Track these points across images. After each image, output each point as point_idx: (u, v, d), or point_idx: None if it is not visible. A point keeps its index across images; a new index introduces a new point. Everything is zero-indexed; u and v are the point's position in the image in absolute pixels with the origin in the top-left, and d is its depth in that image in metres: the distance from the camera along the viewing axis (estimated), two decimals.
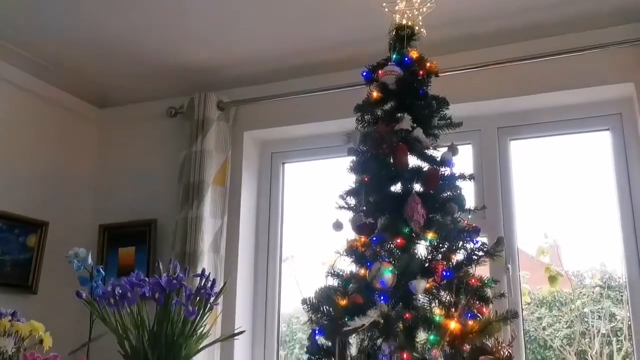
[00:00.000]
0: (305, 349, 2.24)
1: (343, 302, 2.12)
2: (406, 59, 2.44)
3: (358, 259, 2.24)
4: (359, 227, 2.23)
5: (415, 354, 2.02)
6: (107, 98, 3.69)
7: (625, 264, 2.77)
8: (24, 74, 3.30)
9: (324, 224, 2.42)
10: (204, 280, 1.76)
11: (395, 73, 2.39)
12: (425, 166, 2.32)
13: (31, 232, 3.25)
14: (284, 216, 3.45)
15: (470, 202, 2.37)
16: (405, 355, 1.99)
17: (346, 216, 2.31)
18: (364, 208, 2.27)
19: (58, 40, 3.03)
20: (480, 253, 2.24)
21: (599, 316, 3.42)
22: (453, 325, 2.04)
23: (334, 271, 2.28)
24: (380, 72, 2.44)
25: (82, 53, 3.17)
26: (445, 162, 2.33)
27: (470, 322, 2.09)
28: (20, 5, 2.74)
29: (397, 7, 2.53)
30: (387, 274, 2.06)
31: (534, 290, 3.60)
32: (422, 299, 2.13)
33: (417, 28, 2.51)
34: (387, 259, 2.15)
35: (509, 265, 2.80)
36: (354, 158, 2.37)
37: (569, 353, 3.43)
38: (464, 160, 2.77)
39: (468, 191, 2.46)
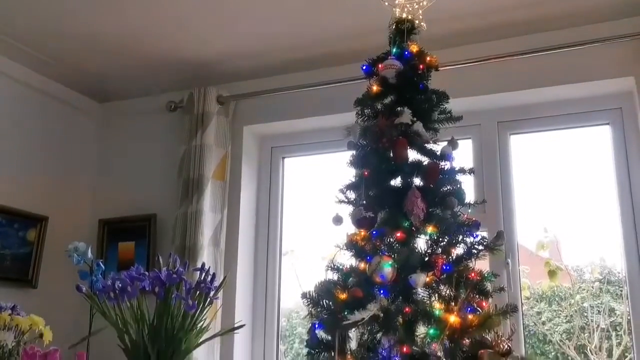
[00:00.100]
0: (305, 343, 2.24)
1: (343, 296, 2.12)
2: (406, 52, 2.44)
3: (358, 253, 2.24)
4: (358, 221, 2.23)
5: (415, 348, 2.02)
6: (106, 92, 3.69)
7: (625, 259, 2.77)
8: (24, 68, 3.30)
9: (323, 218, 2.42)
10: (203, 274, 1.77)
11: (395, 67, 2.39)
12: (425, 160, 2.32)
13: (31, 226, 3.25)
14: (284, 210, 3.45)
15: (470, 196, 2.38)
16: (405, 349, 1.99)
17: (346, 210, 2.31)
18: (364, 202, 2.27)
19: (58, 34, 3.03)
20: (480, 247, 2.24)
21: (599, 311, 3.42)
22: (453, 319, 2.04)
23: (334, 265, 2.29)
24: (380, 66, 2.44)
25: (82, 48, 3.16)
26: (445, 156, 2.33)
27: (470, 316, 2.10)
28: (20, 0, 2.73)
29: (397, 1, 2.53)
30: (387, 268, 2.07)
31: (534, 285, 3.60)
32: (422, 292, 2.13)
33: (417, 22, 2.51)
34: (387, 253, 2.15)
35: (509, 260, 2.81)
36: (353, 152, 2.37)
37: (569, 347, 3.44)
38: (464, 155, 2.76)
39: (468, 185, 2.47)
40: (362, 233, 2.26)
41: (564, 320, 3.52)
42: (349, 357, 2.10)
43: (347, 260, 2.28)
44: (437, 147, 2.37)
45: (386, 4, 2.53)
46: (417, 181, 2.29)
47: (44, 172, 3.40)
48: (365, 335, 2.16)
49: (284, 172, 3.51)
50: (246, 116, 3.43)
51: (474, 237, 2.25)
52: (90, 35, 3.04)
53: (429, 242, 2.24)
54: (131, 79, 3.49)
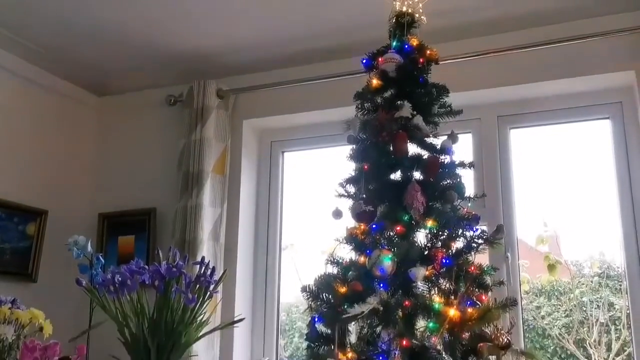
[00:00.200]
0: (304, 336, 2.25)
1: (342, 290, 2.12)
2: (406, 46, 2.43)
3: (358, 247, 2.24)
4: (358, 215, 2.23)
5: (415, 341, 2.02)
6: (106, 86, 3.68)
7: (624, 254, 2.77)
8: (23, 62, 3.29)
9: (323, 212, 2.42)
10: (203, 268, 1.76)
11: (395, 60, 2.39)
12: (425, 154, 2.32)
13: (30, 220, 3.25)
14: (284, 205, 3.45)
15: (470, 190, 2.37)
16: (404, 343, 1.99)
17: (346, 204, 2.31)
18: (364, 196, 2.26)
19: (57, 27, 3.02)
20: (480, 241, 2.24)
21: (598, 305, 3.43)
22: (452, 312, 2.05)
23: (334, 259, 2.28)
24: (380, 59, 2.43)
25: (81, 41, 3.15)
26: (445, 150, 2.33)
27: (470, 310, 2.10)
28: None
29: None
30: (387, 262, 2.07)
31: (533, 279, 3.61)
32: (421, 286, 2.13)
33: (417, 15, 2.50)
34: (386, 247, 2.15)
35: (508, 254, 2.81)
36: (353, 146, 2.36)
37: (568, 342, 3.45)
38: (463, 149, 2.76)
39: (468, 179, 2.47)
40: (362, 227, 2.25)
41: (563, 315, 3.53)
42: (348, 350, 2.10)
43: (347, 254, 2.28)
44: (437, 141, 2.36)
45: None
46: (417, 175, 2.28)
47: (43, 165, 3.40)
48: (365, 329, 2.17)
49: (283, 166, 3.51)
50: (246, 110, 3.42)
51: (474, 231, 2.25)
52: (90, 29, 3.03)
53: (429, 235, 2.24)
54: (131, 73, 3.49)
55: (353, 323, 2.15)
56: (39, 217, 3.28)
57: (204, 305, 1.76)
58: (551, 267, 3.48)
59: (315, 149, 3.51)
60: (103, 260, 2.21)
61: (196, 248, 3.04)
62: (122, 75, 3.52)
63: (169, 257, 1.77)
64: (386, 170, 2.30)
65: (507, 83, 2.93)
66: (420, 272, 2.08)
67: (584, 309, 3.47)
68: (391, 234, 2.22)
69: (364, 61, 2.50)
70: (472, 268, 2.19)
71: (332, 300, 2.14)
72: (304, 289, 2.22)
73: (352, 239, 2.26)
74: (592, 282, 3.52)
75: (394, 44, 2.46)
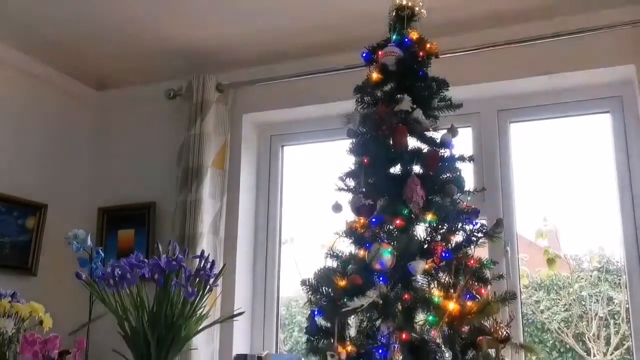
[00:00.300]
0: (304, 330, 2.25)
1: (342, 283, 2.12)
2: (406, 40, 2.42)
3: (357, 240, 2.24)
4: (358, 209, 2.23)
5: (414, 335, 2.02)
6: (105, 80, 3.68)
7: (624, 248, 2.77)
8: (22, 55, 3.28)
9: (323, 206, 2.42)
10: (203, 261, 1.77)
11: (395, 54, 2.38)
12: (425, 148, 2.32)
13: (30, 214, 3.25)
14: (283, 199, 3.45)
15: (469, 184, 2.38)
16: (404, 336, 1.99)
17: (345, 198, 2.30)
18: (364, 190, 2.26)
19: (56, 21, 3.01)
20: (479, 234, 2.24)
21: (597, 299, 3.43)
22: (452, 306, 2.05)
23: (334, 252, 2.29)
24: (380, 53, 2.42)
25: (80, 35, 3.15)
26: (444, 143, 2.32)
27: (469, 303, 2.10)
28: None
29: None
30: (386, 255, 2.07)
31: (532, 273, 3.61)
32: (421, 279, 2.13)
33: (417, 9, 2.49)
34: (386, 240, 2.15)
35: (508, 248, 2.80)
36: (353, 140, 2.36)
37: (567, 336, 3.45)
38: (463, 143, 2.76)
39: (467, 173, 2.46)
40: (362, 220, 2.26)
41: (563, 309, 3.54)
42: (348, 343, 2.10)
43: (347, 247, 2.28)
44: (437, 135, 2.36)
45: None
46: (417, 169, 2.28)
47: (43, 160, 3.40)
48: (365, 322, 2.17)
49: (283, 160, 3.50)
50: (245, 104, 3.42)
51: (473, 225, 2.25)
52: (89, 23, 3.02)
53: (428, 229, 2.24)
54: (130, 67, 3.48)
55: (352, 316, 2.15)
56: (39, 211, 3.28)
57: (204, 299, 1.76)
58: (550, 261, 3.48)
59: (315, 142, 3.50)
60: (103, 254, 2.22)
61: (196, 242, 3.05)
62: (121, 69, 3.52)
63: (169, 250, 1.77)
64: (386, 164, 2.30)
65: (507, 77, 2.93)
66: (420, 266, 2.08)
67: (583, 303, 3.48)
68: (391, 227, 2.21)
69: (364, 55, 2.50)
70: (472, 262, 2.19)
71: (332, 294, 2.14)
72: (303, 283, 2.22)
73: (351, 232, 2.26)
74: (591, 276, 3.52)
75: (394, 37, 2.45)
